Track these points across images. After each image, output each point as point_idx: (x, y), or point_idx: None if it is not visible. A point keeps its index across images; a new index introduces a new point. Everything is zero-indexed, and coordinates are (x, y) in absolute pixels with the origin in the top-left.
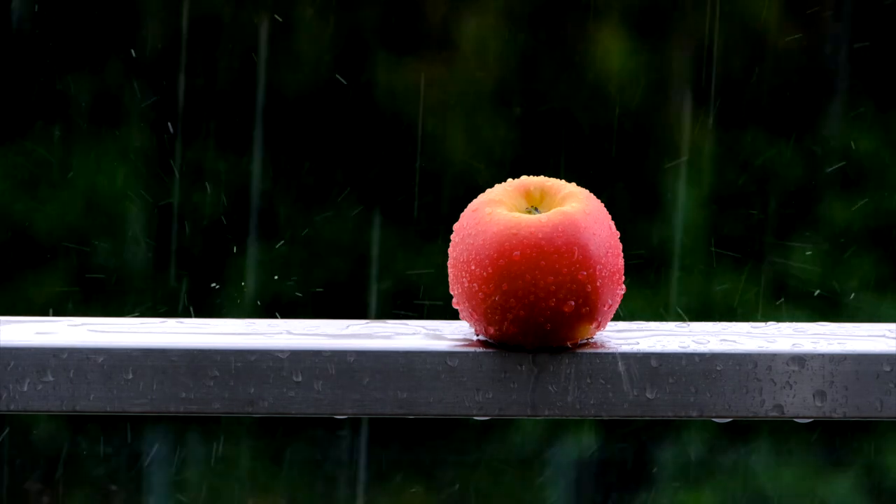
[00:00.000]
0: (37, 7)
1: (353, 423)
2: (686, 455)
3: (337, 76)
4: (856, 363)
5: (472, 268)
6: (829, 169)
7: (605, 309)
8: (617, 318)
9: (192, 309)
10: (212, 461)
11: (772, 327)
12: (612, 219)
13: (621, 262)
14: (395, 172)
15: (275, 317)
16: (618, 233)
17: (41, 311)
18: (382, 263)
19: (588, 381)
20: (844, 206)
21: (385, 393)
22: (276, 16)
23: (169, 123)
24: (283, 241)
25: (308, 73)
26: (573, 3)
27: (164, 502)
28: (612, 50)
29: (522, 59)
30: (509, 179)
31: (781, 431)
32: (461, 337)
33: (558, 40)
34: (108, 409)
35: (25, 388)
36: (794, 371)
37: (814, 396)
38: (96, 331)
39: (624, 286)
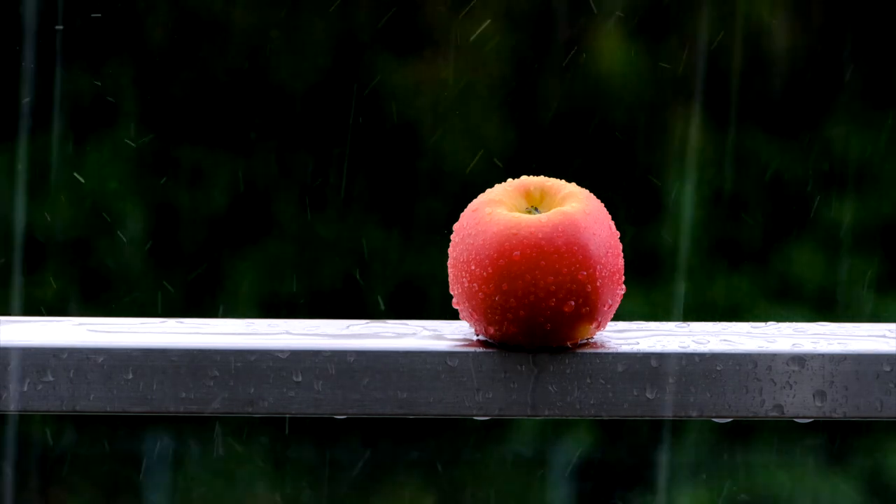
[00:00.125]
0: (37, 7)
1: (352, 422)
2: (686, 455)
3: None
4: (856, 363)
5: (472, 268)
6: (830, 169)
7: (605, 309)
8: (617, 317)
9: (191, 309)
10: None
11: (772, 327)
12: (612, 219)
13: (621, 262)
14: (396, 172)
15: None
16: (618, 233)
17: (41, 311)
18: (382, 263)
19: (588, 381)
20: (845, 207)
21: (385, 393)
22: (277, 16)
23: (169, 123)
24: (283, 241)
25: (308, 73)
26: (573, 3)
27: (165, 502)
28: (612, 50)
29: (523, 59)
30: (509, 179)
31: (781, 431)
32: (461, 337)
33: (558, 40)
34: (108, 409)
35: (25, 388)
36: (794, 371)
37: (814, 396)
38: (96, 331)
39: (624, 286)
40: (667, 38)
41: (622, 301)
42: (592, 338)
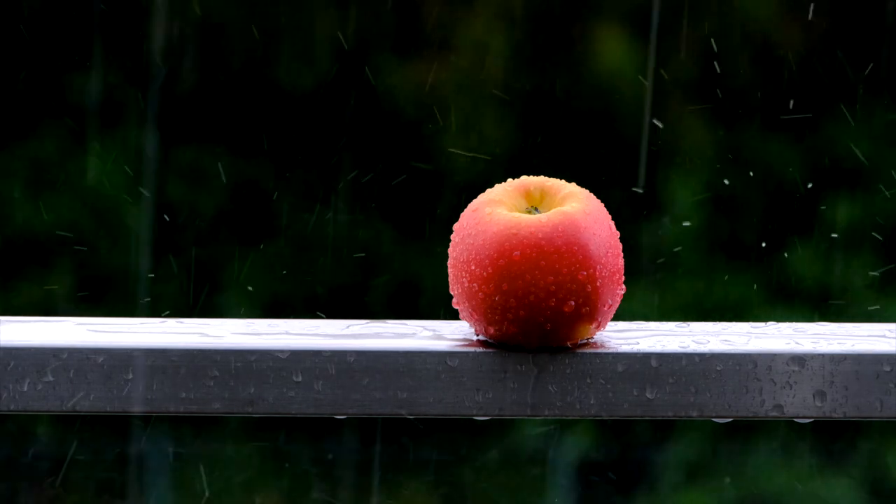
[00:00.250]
0: (38, 7)
1: (352, 422)
2: (686, 455)
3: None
4: (856, 363)
5: (472, 268)
6: (830, 168)
7: (605, 309)
8: (617, 317)
9: (192, 309)
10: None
11: (772, 327)
12: (612, 219)
13: (621, 261)
14: (396, 172)
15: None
16: (618, 233)
17: (41, 311)
18: (383, 263)
19: (588, 381)
20: (845, 206)
21: (385, 393)
22: (277, 16)
23: (169, 123)
24: (283, 242)
25: (309, 73)
26: (573, 2)
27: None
28: (613, 49)
29: (523, 60)
30: (509, 179)
31: (781, 431)
32: (461, 337)
33: (558, 40)
34: (108, 409)
35: (25, 388)
36: (794, 371)
37: (814, 396)
38: (96, 331)
39: (624, 286)
40: (668, 37)
41: (622, 301)
42: (592, 338)
